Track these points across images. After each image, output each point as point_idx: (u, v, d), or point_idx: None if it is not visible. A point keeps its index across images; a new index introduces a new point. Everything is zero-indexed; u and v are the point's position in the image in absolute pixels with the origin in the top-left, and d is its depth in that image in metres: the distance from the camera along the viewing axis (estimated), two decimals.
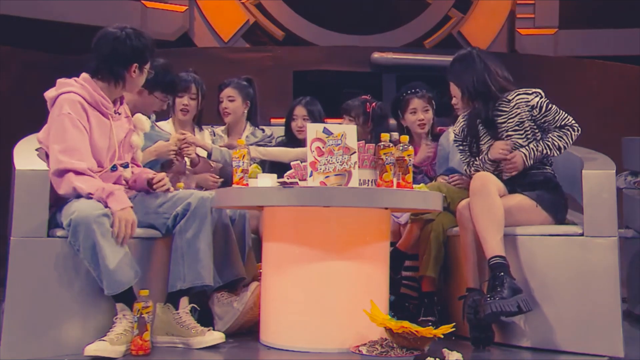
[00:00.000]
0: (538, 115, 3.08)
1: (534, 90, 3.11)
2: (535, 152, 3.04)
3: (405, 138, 2.95)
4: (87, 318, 2.72)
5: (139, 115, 3.15)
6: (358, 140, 2.82)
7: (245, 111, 4.03)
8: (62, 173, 2.75)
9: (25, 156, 2.86)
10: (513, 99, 3.11)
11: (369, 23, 7.91)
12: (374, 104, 4.01)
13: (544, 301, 2.84)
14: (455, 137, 3.38)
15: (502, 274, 2.75)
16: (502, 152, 3.08)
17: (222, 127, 4.09)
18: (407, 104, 3.86)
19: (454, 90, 3.27)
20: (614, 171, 2.90)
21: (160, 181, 2.99)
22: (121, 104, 3.04)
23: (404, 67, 6.79)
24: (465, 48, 3.34)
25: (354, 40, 7.59)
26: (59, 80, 2.90)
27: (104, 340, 2.60)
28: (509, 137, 3.11)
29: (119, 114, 3.00)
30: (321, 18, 7.85)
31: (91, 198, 2.72)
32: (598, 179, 2.86)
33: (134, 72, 2.95)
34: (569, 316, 2.80)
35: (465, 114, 3.31)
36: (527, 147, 3.06)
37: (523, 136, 3.10)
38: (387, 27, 7.95)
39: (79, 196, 2.74)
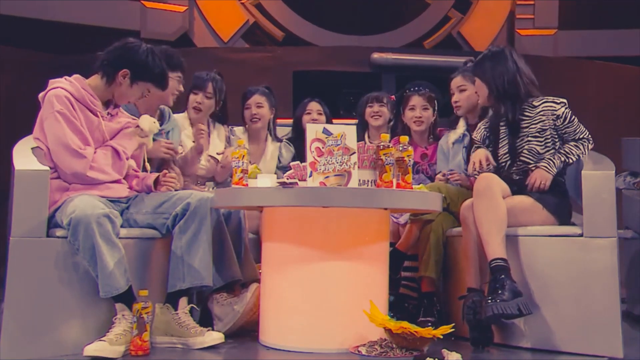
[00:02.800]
0: (561, 126, 3.06)
1: (561, 100, 3.09)
2: (555, 162, 3.02)
3: (405, 138, 2.95)
4: (86, 318, 2.72)
5: (143, 119, 3.11)
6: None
7: (271, 118, 4.07)
8: (78, 177, 2.85)
9: (25, 156, 2.86)
10: (539, 105, 3.08)
11: (369, 23, 7.92)
12: (392, 97, 4.19)
13: (543, 301, 2.84)
14: (474, 142, 3.32)
15: (502, 276, 2.75)
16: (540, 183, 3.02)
17: (242, 128, 4.08)
18: (407, 100, 3.88)
19: (480, 87, 3.20)
20: (614, 172, 2.89)
21: (170, 177, 3.05)
22: (115, 106, 3.06)
23: (404, 67, 6.80)
24: (498, 46, 3.25)
25: (353, 41, 7.59)
26: (50, 81, 2.96)
27: (103, 340, 2.60)
28: (528, 143, 3.09)
29: (112, 115, 3.02)
30: (321, 18, 7.86)
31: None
32: (597, 179, 2.86)
33: (122, 77, 2.96)
34: (568, 317, 2.80)
35: (486, 119, 3.28)
36: (545, 159, 3.04)
37: (542, 144, 3.07)
38: (387, 28, 7.95)
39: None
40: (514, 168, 3.11)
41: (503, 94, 3.11)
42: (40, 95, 2.94)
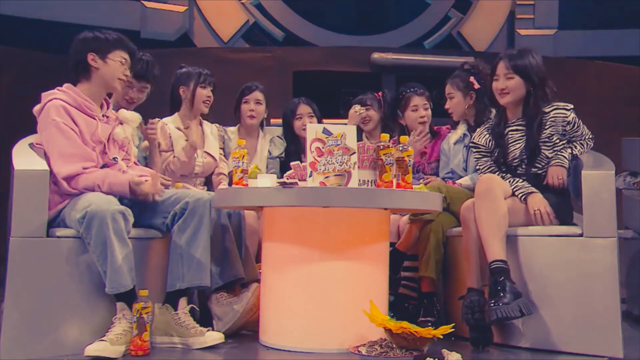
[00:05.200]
0: (570, 131, 3.09)
1: (570, 106, 3.12)
2: (565, 154, 3.04)
3: (405, 139, 2.96)
4: (86, 318, 2.73)
5: (122, 111, 3.21)
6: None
7: (264, 117, 4.11)
8: (68, 180, 2.83)
9: (24, 156, 2.87)
10: (550, 111, 3.10)
11: (369, 23, 7.91)
12: (378, 94, 4.17)
13: (543, 302, 2.84)
14: (476, 147, 3.28)
15: (502, 278, 2.76)
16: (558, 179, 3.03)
17: (233, 128, 4.08)
18: (408, 101, 3.91)
19: (515, 83, 3.12)
20: (614, 172, 2.89)
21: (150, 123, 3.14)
22: (107, 107, 3.07)
23: (404, 67, 6.80)
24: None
25: (353, 41, 7.59)
26: (43, 94, 2.96)
27: (103, 340, 2.60)
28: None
29: (107, 117, 3.04)
30: (321, 18, 7.85)
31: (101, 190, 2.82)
32: (597, 179, 2.86)
33: (93, 61, 2.97)
34: (568, 316, 2.80)
35: (488, 125, 3.27)
36: (557, 156, 3.05)
37: (550, 149, 3.08)
38: (387, 28, 7.95)
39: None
40: (521, 168, 3.10)
41: (538, 83, 3.11)
42: (36, 108, 2.94)
